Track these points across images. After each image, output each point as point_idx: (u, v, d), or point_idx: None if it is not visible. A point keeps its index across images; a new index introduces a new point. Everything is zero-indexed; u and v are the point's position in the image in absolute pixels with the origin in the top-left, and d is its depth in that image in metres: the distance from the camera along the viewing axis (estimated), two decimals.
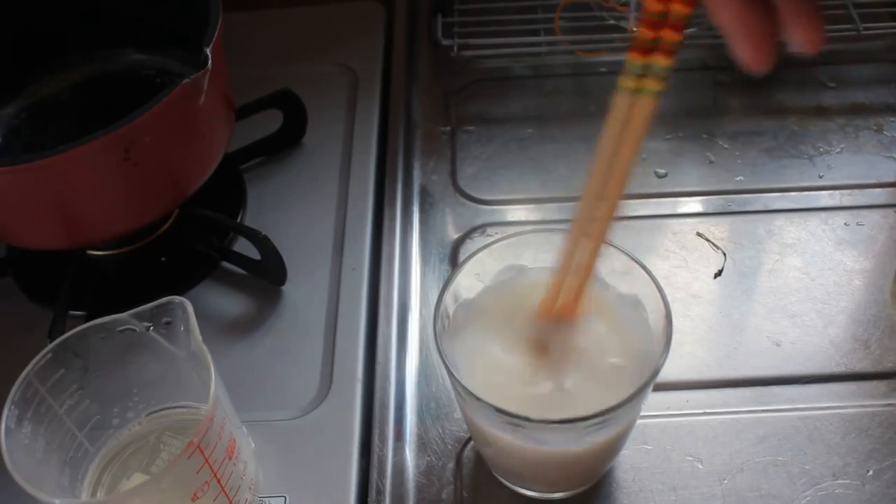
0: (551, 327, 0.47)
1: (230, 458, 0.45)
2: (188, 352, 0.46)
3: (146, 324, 0.46)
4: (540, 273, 0.50)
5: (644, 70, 0.37)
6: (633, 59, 0.37)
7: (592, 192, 0.42)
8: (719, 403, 0.54)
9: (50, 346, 0.46)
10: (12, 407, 0.43)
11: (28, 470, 0.43)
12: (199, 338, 0.44)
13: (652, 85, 0.37)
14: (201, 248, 0.63)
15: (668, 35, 0.35)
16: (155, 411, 0.51)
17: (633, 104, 0.38)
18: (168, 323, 0.46)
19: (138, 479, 0.48)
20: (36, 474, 0.44)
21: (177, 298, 0.45)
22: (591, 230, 0.43)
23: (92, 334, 0.46)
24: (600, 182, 0.41)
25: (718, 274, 0.62)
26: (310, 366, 0.57)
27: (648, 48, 0.36)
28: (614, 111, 0.39)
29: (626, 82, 0.38)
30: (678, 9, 0.35)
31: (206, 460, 0.43)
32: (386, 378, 0.56)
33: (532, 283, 0.50)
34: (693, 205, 0.66)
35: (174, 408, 0.51)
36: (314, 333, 0.59)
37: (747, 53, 0.33)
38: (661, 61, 0.36)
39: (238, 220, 0.66)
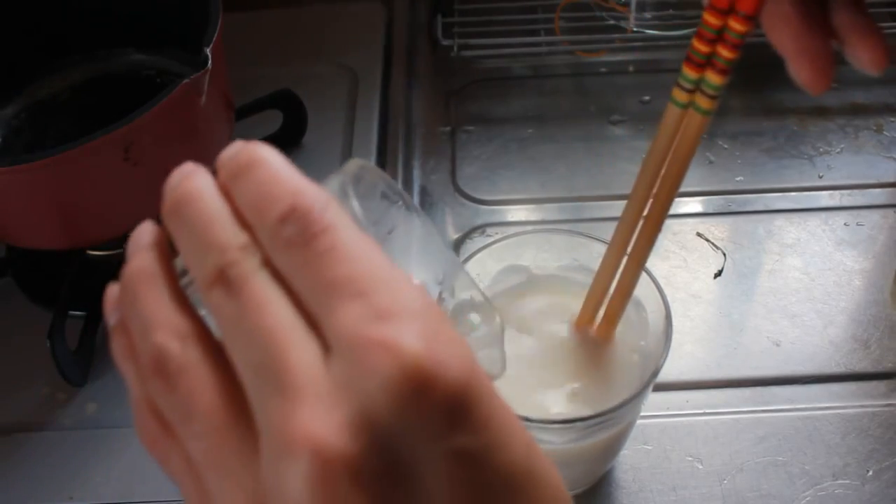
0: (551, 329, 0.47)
1: None
2: None
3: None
4: (540, 274, 0.50)
5: (696, 85, 0.36)
6: (688, 72, 0.36)
7: (636, 208, 0.41)
8: (719, 403, 0.54)
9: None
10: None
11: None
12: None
13: (703, 102, 0.36)
14: None
15: (723, 52, 0.34)
16: None
17: (682, 120, 0.37)
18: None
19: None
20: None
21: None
22: (632, 250, 0.42)
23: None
24: (643, 199, 0.40)
25: (718, 274, 0.62)
26: None
27: (702, 63, 0.35)
28: (664, 123, 0.38)
29: (678, 95, 0.37)
30: (735, 25, 0.33)
31: None
32: None
33: (533, 283, 0.50)
34: (693, 205, 0.66)
35: None
36: None
37: (808, 76, 0.32)
38: (713, 78, 0.35)
39: None
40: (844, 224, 0.64)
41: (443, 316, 0.22)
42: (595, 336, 0.46)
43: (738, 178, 0.68)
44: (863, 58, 0.31)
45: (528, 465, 0.23)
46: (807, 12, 0.32)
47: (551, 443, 0.44)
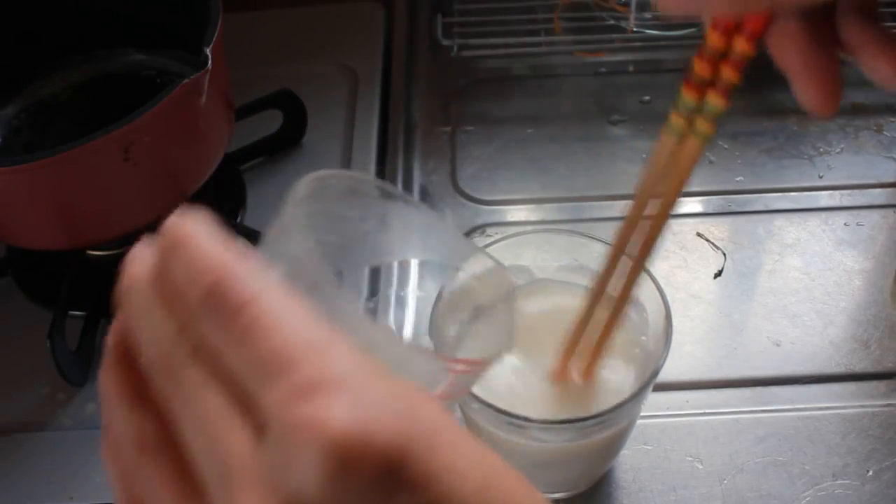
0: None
1: None
2: None
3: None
4: (542, 273, 0.50)
5: (696, 109, 0.34)
6: (687, 96, 0.34)
7: (623, 241, 0.40)
8: (719, 403, 0.54)
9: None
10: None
11: None
12: None
13: (703, 126, 0.34)
14: None
15: (727, 73, 0.32)
16: None
17: (680, 145, 0.36)
18: None
19: None
20: None
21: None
22: (617, 285, 0.41)
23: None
24: (631, 229, 0.39)
25: (718, 274, 0.61)
26: None
27: (704, 84, 0.33)
28: (659, 151, 0.36)
29: (677, 121, 0.35)
30: (740, 46, 0.32)
31: None
32: None
33: (533, 283, 0.50)
34: (693, 205, 0.66)
35: None
36: None
37: (814, 98, 0.30)
38: (716, 101, 0.33)
39: (238, 220, 0.65)
40: (844, 224, 0.64)
41: (374, 371, 0.22)
42: (580, 376, 0.45)
43: (738, 178, 0.68)
44: (882, 70, 0.30)
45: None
46: (814, 30, 0.30)
47: (551, 443, 0.44)
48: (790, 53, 0.31)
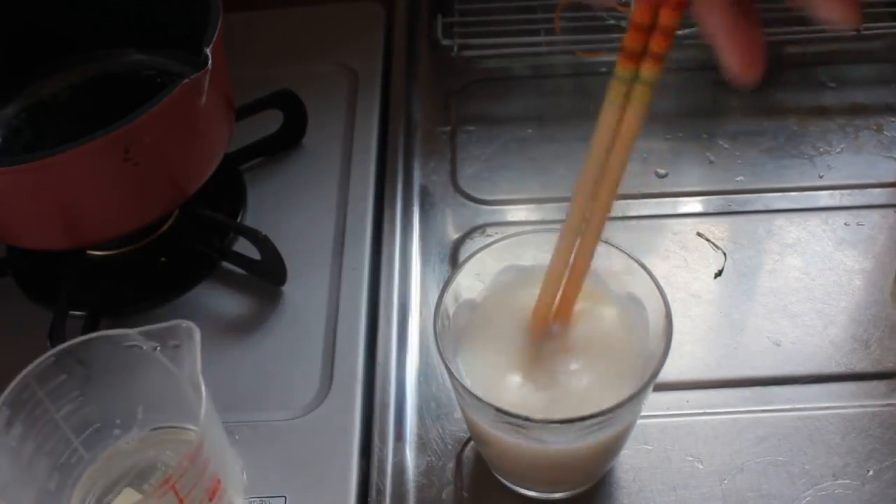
0: (551, 330, 0.47)
1: (210, 500, 0.44)
2: (190, 378, 0.45)
3: (154, 343, 0.45)
4: (541, 273, 0.50)
5: (632, 78, 0.37)
6: (623, 67, 0.36)
7: (582, 196, 0.41)
8: (719, 403, 0.54)
9: (52, 350, 0.45)
10: (4, 408, 0.43)
11: (8, 473, 0.42)
12: (199, 368, 0.43)
13: (641, 94, 0.37)
14: (201, 248, 0.63)
15: (657, 43, 0.35)
16: (160, 427, 0.50)
17: (622, 112, 0.38)
18: (176, 346, 0.45)
19: (127, 494, 0.47)
20: (18, 478, 0.43)
21: (185, 323, 0.44)
22: (580, 240, 0.43)
23: (98, 345, 0.46)
24: (588, 194, 0.41)
25: (718, 274, 0.62)
26: (310, 366, 0.57)
27: (637, 55, 0.36)
28: (603, 119, 0.39)
29: (615, 91, 0.37)
30: (666, 17, 0.34)
31: (181, 501, 0.41)
32: (386, 378, 0.56)
33: (534, 283, 0.50)
34: (693, 205, 0.66)
35: (179, 427, 0.50)
36: (314, 333, 0.59)
37: (738, 65, 0.32)
38: (650, 69, 0.36)
39: (238, 220, 0.66)
40: (845, 224, 0.64)
41: None
42: (555, 320, 0.46)
43: (738, 178, 0.68)
44: (835, 12, 0.31)
45: None
46: (736, 1, 0.32)
47: (551, 443, 0.44)
48: (713, 22, 0.32)
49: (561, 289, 0.45)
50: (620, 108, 0.38)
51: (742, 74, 0.32)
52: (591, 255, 0.43)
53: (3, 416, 0.43)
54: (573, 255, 0.44)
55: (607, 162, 0.40)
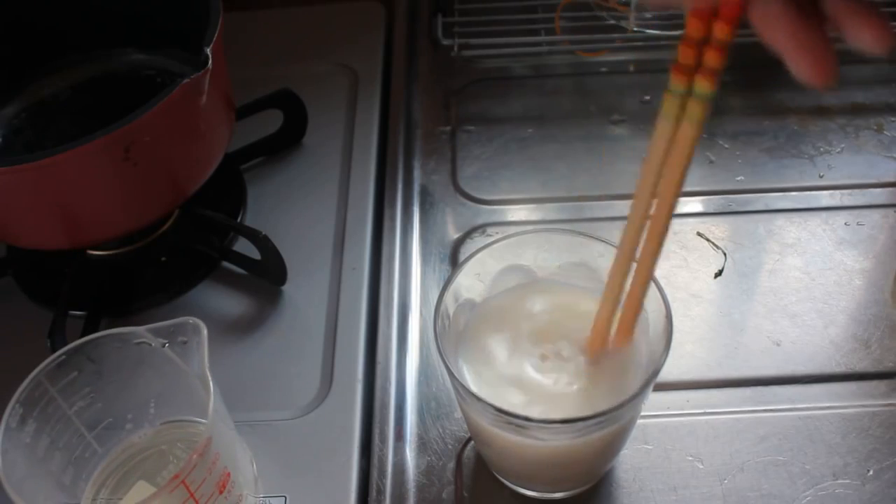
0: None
1: (221, 493, 0.44)
2: (199, 373, 0.46)
3: (162, 340, 0.46)
4: (541, 273, 0.50)
5: (686, 92, 0.35)
6: (676, 81, 0.35)
7: (638, 220, 0.40)
8: (719, 403, 0.54)
9: (63, 349, 0.46)
10: (17, 406, 0.43)
11: (24, 468, 0.43)
12: (207, 364, 0.44)
13: (695, 110, 0.36)
14: (201, 248, 0.63)
15: (710, 58, 0.34)
16: (171, 421, 0.51)
17: (677, 125, 0.37)
18: (184, 342, 0.46)
19: (141, 486, 0.48)
20: (33, 472, 0.44)
21: (192, 319, 0.45)
22: (638, 259, 0.42)
23: (108, 343, 0.46)
24: (644, 210, 0.40)
25: (719, 274, 0.61)
26: (310, 366, 0.57)
27: (691, 70, 0.35)
28: (657, 137, 0.37)
29: (669, 105, 0.36)
30: (719, 30, 0.33)
31: (192, 495, 0.42)
32: (386, 378, 0.56)
33: (534, 282, 0.50)
34: (693, 205, 0.66)
35: (190, 421, 0.51)
36: (314, 333, 0.59)
37: (809, 71, 0.31)
38: (703, 84, 0.34)
39: (238, 220, 0.66)
40: (845, 224, 0.64)
41: None
42: (614, 348, 0.46)
43: (738, 178, 0.68)
44: (865, 38, 0.30)
45: None
46: (797, 6, 0.31)
47: (551, 442, 0.44)
48: (777, 33, 0.31)
49: (619, 311, 0.45)
50: (675, 122, 0.37)
51: (813, 79, 0.31)
52: (650, 278, 0.42)
53: (17, 413, 0.43)
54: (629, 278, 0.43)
55: (662, 179, 0.39)
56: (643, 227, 0.41)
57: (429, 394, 0.56)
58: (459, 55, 0.78)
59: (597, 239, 0.48)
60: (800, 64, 0.31)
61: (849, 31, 0.31)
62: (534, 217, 0.67)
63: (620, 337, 0.45)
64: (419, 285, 0.62)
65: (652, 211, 0.40)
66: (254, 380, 0.56)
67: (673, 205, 0.39)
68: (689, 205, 0.66)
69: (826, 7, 0.31)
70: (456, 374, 0.44)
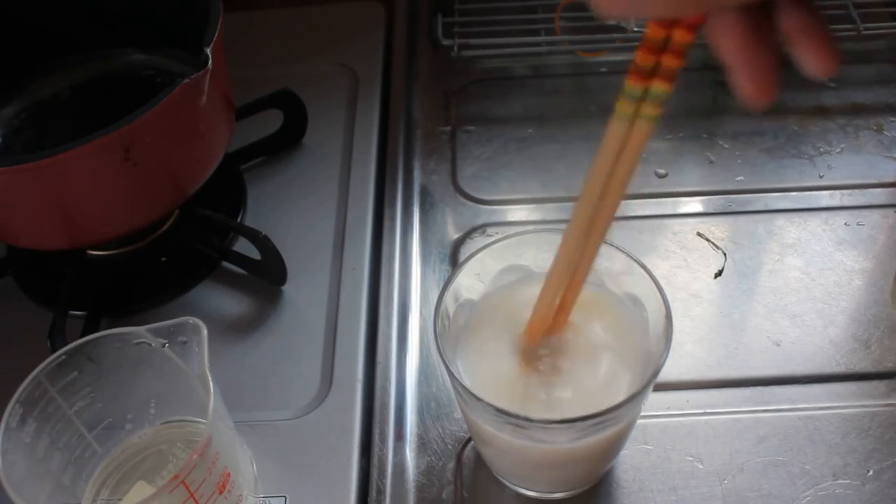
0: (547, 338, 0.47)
1: (220, 493, 0.45)
2: (199, 373, 0.46)
3: (162, 340, 0.46)
4: (541, 274, 0.50)
5: (643, 95, 0.36)
6: (633, 85, 0.35)
7: (583, 217, 0.41)
8: (719, 403, 0.54)
9: (64, 349, 0.46)
10: (17, 406, 0.44)
11: (24, 468, 0.43)
12: (207, 365, 0.44)
13: (650, 110, 0.36)
14: (201, 248, 0.63)
15: (669, 61, 0.34)
16: (171, 421, 0.51)
17: (629, 129, 0.37)
18: (184, 342, 0.46)
19: (141, 486, 0.48)
20: (33, 472, 0.44)
21: (192, 319, 0.45)
22: (581, 251, 0.42)
23: (108, 343, 0.46)
24: (590, 206, 0.40)
25: (719, 274, 0.61)
26: (310, 366, 0.57)
27: (648, 73, 0.35)
28: (609, 137, 0.38)
29: (624, 107, 0.37)
30: (680, 36, 0.33)
31: (192, 495, 0.42)
32: (386, 378, 0.56)
33: (534, 282, 0.50)
34: (693, 205, 0.66)
35: (190, 421, 0.51)
36: (314, 333, 0.59)
37: (749, 89, 0.31)
38: (660, 87, 0.35)
39: (238, 220, 0.66)
40: (845, 224, 0.64)
41: None
42: (549, 331, 0.46)
43: (738, 178, 0.68)
44: (811, 62, 0.30)
45: None
46: (752, 22, 0.31)
47: (551, 443, 0.44)
48: (726, 44, 0.31)
49: (558, 298, 0.45)
50: (629, 123, 0.37)
51: (752, 98, 0.31)
52: (589, 268, 0.43)
53: (17, 413, 0.44)
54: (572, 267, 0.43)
55: (612, 175, 0.39)
56: (588, 222, 0.41)
57: (429, 394, 0.56)
58: (459, 55, 0.78)
59: None
60: (741, 80, 0.31)
61: (797, 52, 0.30)
62: (534, 217, 0.67)
63: (556, 324, 0.45)
64: (419, 285, 0.62)
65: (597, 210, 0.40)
66: (254, 380, 0.56)
67: (619, 200, 0.40)
68: (689, 205, 0.66)
69: (782, 22, 0.31)
70: (456, 375, 0.44)
